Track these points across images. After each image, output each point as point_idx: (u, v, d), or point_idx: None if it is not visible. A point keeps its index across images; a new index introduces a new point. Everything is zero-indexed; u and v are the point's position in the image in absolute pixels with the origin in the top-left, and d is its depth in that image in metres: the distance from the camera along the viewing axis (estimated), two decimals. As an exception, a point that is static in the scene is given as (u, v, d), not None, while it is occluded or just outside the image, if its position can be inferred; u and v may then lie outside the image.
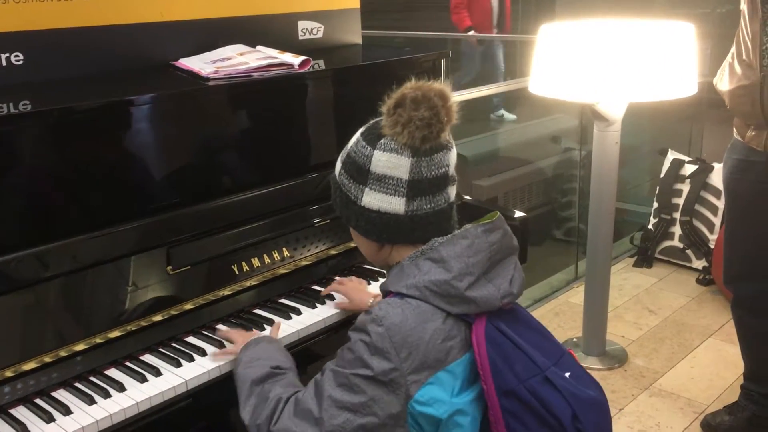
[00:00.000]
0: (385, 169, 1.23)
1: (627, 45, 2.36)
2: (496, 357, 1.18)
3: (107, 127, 1.56)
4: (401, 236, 1.26)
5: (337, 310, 1.69)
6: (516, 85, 3.30)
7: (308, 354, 1.64)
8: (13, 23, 1.66)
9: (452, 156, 1.27)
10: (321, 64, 2.04)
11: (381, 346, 1.16)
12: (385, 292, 1.27)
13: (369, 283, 1.82)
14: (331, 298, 1.74)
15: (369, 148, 1.24)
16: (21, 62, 1.69)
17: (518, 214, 2.07)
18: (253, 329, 1.60)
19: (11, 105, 1.52)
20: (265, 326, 1.62)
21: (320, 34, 2.25)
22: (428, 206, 1.24)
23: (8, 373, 1.35)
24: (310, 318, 1.67)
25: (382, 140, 1.23)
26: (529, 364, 1.21)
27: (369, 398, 1.17)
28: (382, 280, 1.83)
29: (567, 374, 1.26)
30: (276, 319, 1.64)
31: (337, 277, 1.84)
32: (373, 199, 1.24)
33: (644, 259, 3.88)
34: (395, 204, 1.23)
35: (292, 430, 1.22)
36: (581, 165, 3.82)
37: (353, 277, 1.80)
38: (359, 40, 2.36)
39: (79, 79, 1.77)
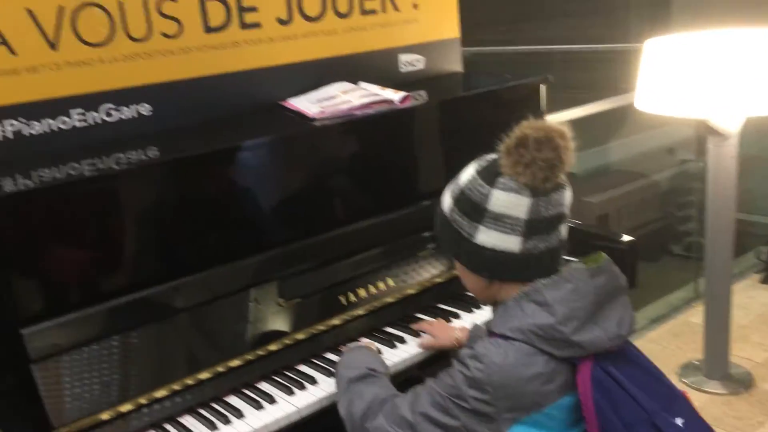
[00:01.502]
0: (503, 208, 1.23)
1: (742, 56, 2.26)
2: (602, 401, 1.17)
3: (227, 170, 1.69)
4: (512, 274, 1.27)
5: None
6: (621, 102, 3.22)
7: (411, 381, 1.69)
8: (143, 77, 1.83)
9: (568, 195, 1.28)
10: (422, 95, 2.10)
11: (479, 383, 1.19)
12: (489, 332, 1.30)
13: (471, 311, 1.85)
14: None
15: (487, 187, 1.25)
16: (150, 113, 1.85)
17: (626, 237, 2.04)
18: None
19: (143, 153, 1.69)
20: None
21: (421, 66, 2.31)
22: (542, 245, 1.25)
23: (142, 400, 1.49)
24: (414, 347, 1.72)
25: (501, 179, 1.24)
26: (637, 408, 1.19)
27: (461, 424, 1.21)
28: (471, 315, 1.86)
29: (679, 420, 1.23)
30: (381, 347, 1.71)
31: (440, 305, 1.88)
32: (488, 237, 1.25)
33: (772, 274, 3.66)
34: (511, 243, 1.24)
35: (386, 430, 1.30)
36: (699, 177, 3.66)
37: (439, 319, 1.83)
38: (460, 68, 2.41)
39: (200, 125, 1.91)
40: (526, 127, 1.22)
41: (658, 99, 2.48)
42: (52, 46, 1.69)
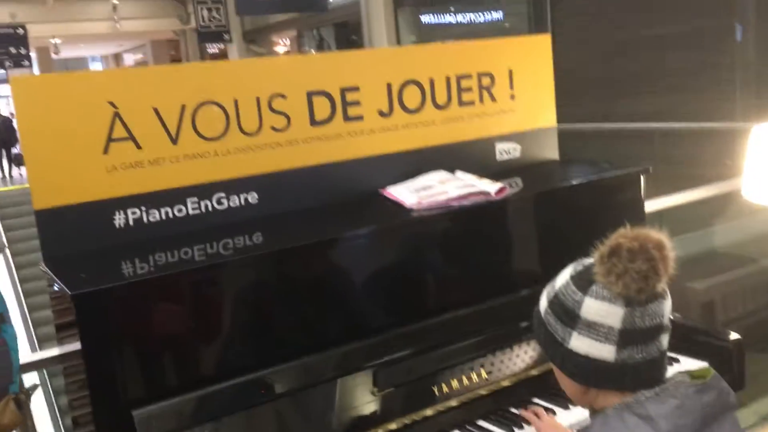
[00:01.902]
0: (596, 316, 1.22)
1: None
2: None
3: (327, 260, 1.76)
4: (609, 382, 1.25)
5: (535, 437, 1.70)
6: (726, 188, 3.11)
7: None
8: (252, 168, 1.95)
9: (667, 305, 1.25)
10: (518, 185, 2.13)
11: None
12: None
13: (568, 408, 1.81)
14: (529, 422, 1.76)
15: (579, 294, 1.25)
16: (256, 201, 1.96)
17: (733, 335, 1.95)
18: None
19: (248, 241, 1.79)
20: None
21: (518, 154, 2.34)
22: (639, 355, 1.22)
23: (238, 485, 1.53)
24: (509, 443, 1.69)
25: (594, 287, 1.23)
26: None
27: None
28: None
29: None
30: (474, 443, 1.69)
31: (535, 399, 1.85)
32: (581, 344, 1.24)
33: None
34: (605, 351, 1.22)
35: None
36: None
37: (549, 414, 1.79)
38: (557, 156, 2.42)
39: (303, 212, 2.00)
40: (621, 235, 1.21)
41: None
42: (173, 140, 1.84)
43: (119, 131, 1.77)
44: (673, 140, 5.45)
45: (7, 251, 7.74)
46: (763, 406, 3.26)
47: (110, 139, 1.76)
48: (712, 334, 2.00)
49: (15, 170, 12.38)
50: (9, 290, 6.67)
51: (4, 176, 12.43)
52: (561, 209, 2.06)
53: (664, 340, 1.25)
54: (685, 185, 3.05)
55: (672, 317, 1.59)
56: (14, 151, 12.47)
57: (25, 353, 1.85)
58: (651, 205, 2.74)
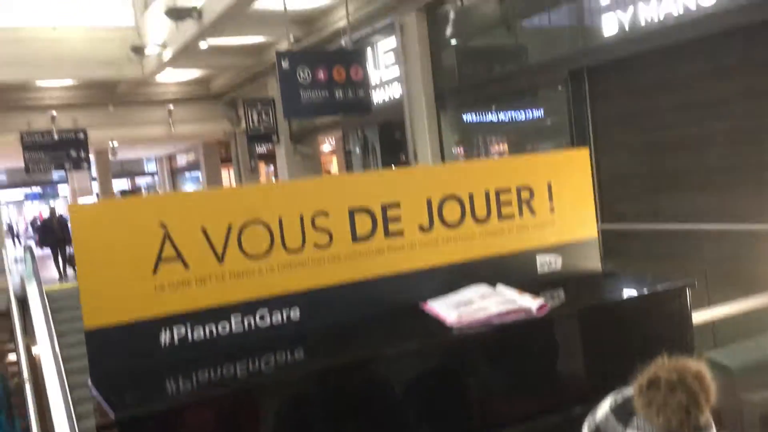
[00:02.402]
0: None
1: None
2: None
3: (368, 376, 1.76)
4: None
5: None
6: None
7: None
8: (295, 284, 1.98)
9: None
10: (560, 297, 2.11)
11: None
12: None
13: None
14: None
15: (620, 427, 1.23)
16: (298, 318, 1.99)
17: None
18: None
19: (290, 358, 1.80)
20: None
21: (559, 266, 2.34)
22: None
23: None
24: None
25: (635, 419, 1.22)
26: None
27: None
28: None
29: None
30: None
31: None
32: None
33: None
34: None
35: None
36: None
37: None
38: (599, 267, 2.40)
39: (344, 327, 2.01)
40: (659, 367, 1.20)
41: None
42: (219, 259, 1.90)
43: (168, 251, 1.84)
44: (727, 242, 5.35)
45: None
46: None
47: (159, 259, 1.83)
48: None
49: (70, 269, 12.78)
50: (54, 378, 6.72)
51: (60, 275, 12.81)
52: (605, 325, 2.04)
53: None
54: (735, 283, 2.97)
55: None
56: (69, 250, 12.91)
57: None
58: (700, 316, 2.68)
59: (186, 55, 11.31)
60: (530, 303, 1.96)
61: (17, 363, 8.50)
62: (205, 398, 1.66)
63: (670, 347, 1.30)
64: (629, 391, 1.27)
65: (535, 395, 1.95)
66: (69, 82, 14.12)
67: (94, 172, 18.32)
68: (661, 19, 5.50)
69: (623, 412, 1.24)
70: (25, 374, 7.63)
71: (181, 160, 22.68)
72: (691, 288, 2.10)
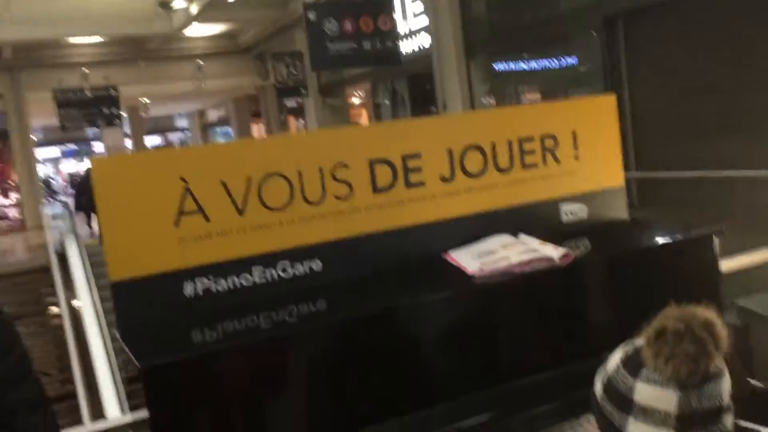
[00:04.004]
0: (649, 401, 1.19)
1: None
2: None
3: (392, 328, 1.77)
4: None
5: None
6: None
7: None
8: (316, 236, 1.99)
9: (725, 385, 1.20)
10: (584, 246, 2.09)
11: None
12: None
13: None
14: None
15: (630, 379, 1.21)
16: (320, 269, 2.00)
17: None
18: None
19: (313, 308, 1.82)
20: None
21: (584, 215, 2.30)
22: None
23: None
24: None
25: (644, 371, 1.20)
26: None
27: None
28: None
29: None
30: None
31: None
32: (639, 431, 1.20)
33: None
34: None
35: None
36: None
37: None
38: (625, 215, 2.37)
39: (366, 278, 2.02)
40: (666, 317, 1.18)
41: None
42: (240, 212, 1.91)
43: (190, 205, 1.85)
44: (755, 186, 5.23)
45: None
46: None
47: (181, 213, 1.84)
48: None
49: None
50: (95, 329, 6.92)
51: (92, 232, 13.06)
52: (631, 273, 2.01)
53: (727, 420, 1.19)
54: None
55: (758, 384, 1.49)
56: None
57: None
58: (730, 264, 2.63)
59: (213, 8, 11.26)
60: (553, 252, 1.94)
61: (59, 316, 8.80)
62: (230, 347, 1.68)
63: (697, 295, 1.27)
64: (639, 342, 1.25)
65: (559, 345, 1.95)
66: (99, 38, 14.18)
67: (127, 129, 18.52)
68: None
69: (633, 364, 1.23)
70: (67, 327, 7.89)
71: (213, 116, 22.79)
72: (719, 235, 2.06)
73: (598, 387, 1.30)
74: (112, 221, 1.79)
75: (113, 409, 4.64)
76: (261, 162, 1.92)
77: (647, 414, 1.19)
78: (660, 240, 2.09)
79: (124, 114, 15.56)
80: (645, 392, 1.19)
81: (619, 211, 2.35)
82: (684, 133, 6.00)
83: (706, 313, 1.18)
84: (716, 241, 2.07)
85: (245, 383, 1.63)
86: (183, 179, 1.84)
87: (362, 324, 1.74)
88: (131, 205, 1.80)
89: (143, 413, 1.56)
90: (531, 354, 1.92)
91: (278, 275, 1.95)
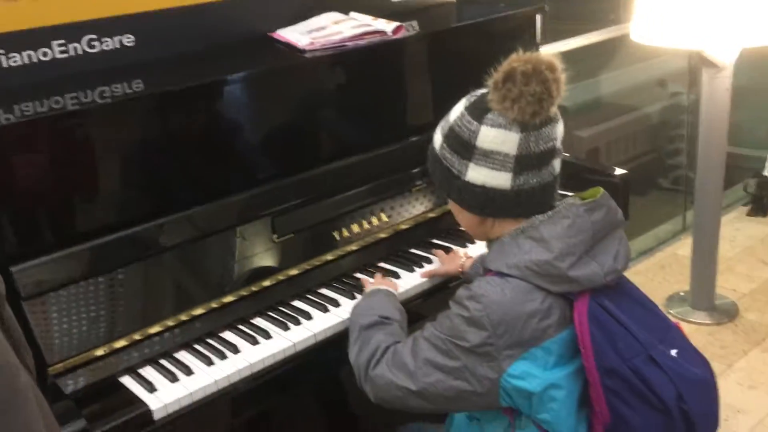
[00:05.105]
0: (492, 144, 1.21)
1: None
2: (599, 335, 1.17)
3: (214, 104, 1.64)
4: (505, 211, 1.26)
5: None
6: (616, 33, 3.16)
7: (408, 316, 1.70)
8: (125, 7, 1.76)
9: (560, 129, 1.25)
10: (414, 27, 2.05)
11: (478, 322, 1.19)
12: (485, 269, 1.29)
13: (465, 246, 1.85)
14: (429, 261, 1.79)
15: (475, 123, 1.22)
16: (133, 43, 1.79)
17: (618, 171, 2.03)
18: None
19: (126, 86, 1.64)
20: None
21: (414, -4, 2.24)
22: (534, 180, 1.22)
23: (136, 336, 1.48)
24: (408, 281, 1.72)
25: (489, 115, 1.21)
26: (633, 342, 1.20)
27: (462, 365, 1.22)
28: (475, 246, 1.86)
29: (673, 351, 1.24)
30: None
31: (434, 240, 1.88)
32: (478, 174, 1.23)
33: (759, 207, 3.69)
34: (501, 179, 1.22)
35: (388, 377, 1.30)
36: (689, 110, 3.64)
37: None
38: (453, -1, 2.34)
39: (186, 56, 1.85)
40: (514, 60, 1.18)
41: (655, 30, 2.43)
42: (29, -28, 1.61)
43: (-39, -40, 1.53)
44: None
45: None
46: (638, 243, 3.52)
47: (-49, -30, 1.52)
48: (601, 171, 2.07)
49: None
50: None
51: None
52: (457, 50, 2.01)
53: (557, 164, 1.26)
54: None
55: (565, 158, 1.59)
56: None
57: None
58: (546, 50, 2.74)
59: None
60: (385, 26, 1.88)
61: None
62: (34, 121, 1.45)
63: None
64: (483, 90, 1.26)
65: (390, 123, 1.94)
66: None
67: None
68: None
69: (478, 109, 1.24)
70: None
71: None
72: (542, 14, 2.11)
73: (438, 137, 1.31)
74: None
75: None
76: None
77: (488, 157, 1.22)
78: (485, 17, 2.09)
79: None
80: (489, 136, 1.21)
81: (448, -8, 2.32)
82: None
83: (550, 57, 1.19)
84: (539, 18, 2.11)
85: (53, 162, 1.44)
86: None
87: (181, 99, 1.58)
88: None
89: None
90: (359, 134, 1.89)
91: (84, 50, 1.72)
